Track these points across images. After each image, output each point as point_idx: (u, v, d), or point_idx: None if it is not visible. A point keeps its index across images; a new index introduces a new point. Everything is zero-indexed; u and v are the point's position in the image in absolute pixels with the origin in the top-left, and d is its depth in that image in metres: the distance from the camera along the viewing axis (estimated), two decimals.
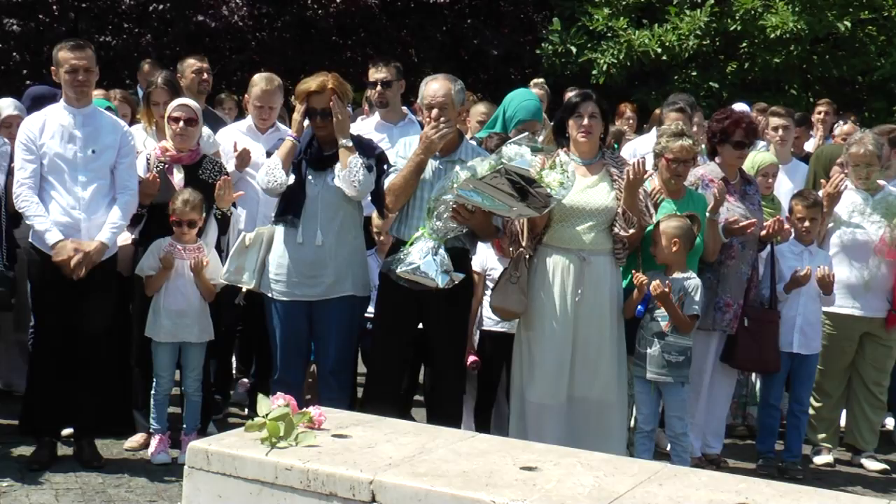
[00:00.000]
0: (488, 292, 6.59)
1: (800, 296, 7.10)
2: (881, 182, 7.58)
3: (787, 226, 7.14)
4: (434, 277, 5.92)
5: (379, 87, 8.03)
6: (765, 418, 7.38)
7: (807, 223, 7.11)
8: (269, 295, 6.44)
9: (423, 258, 5.93)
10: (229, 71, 15.10)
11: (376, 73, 8.08)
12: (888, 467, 7.49)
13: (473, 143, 6.83)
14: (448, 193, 5.90)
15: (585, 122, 6.23)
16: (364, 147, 6.43)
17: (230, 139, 7.68)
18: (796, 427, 7.29)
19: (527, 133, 6.51)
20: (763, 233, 6.98)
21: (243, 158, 7.36)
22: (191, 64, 8.68)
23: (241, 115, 9.49)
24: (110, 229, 6.44)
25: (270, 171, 6.33)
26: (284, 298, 6.38)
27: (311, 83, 6.38)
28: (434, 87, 6.24)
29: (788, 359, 7.17)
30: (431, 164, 6.26)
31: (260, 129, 7.77)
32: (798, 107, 13.42)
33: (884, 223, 7.30)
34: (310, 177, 6.34)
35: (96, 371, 6.60)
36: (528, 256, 6.20)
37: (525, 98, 7.88)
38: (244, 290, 6.87)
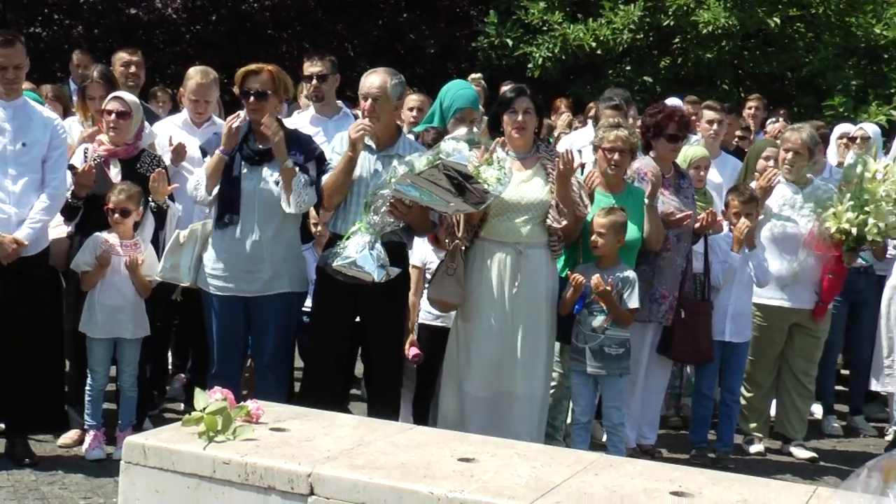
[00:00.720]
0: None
1: (732, 285, 7.19)
2: (810, 176, 7.71)
3: (719, 218, 7.22)
4: (370, 272, 5.93)
5: (314, 81, 7.98)
6: (697, 408, 7.48)
7: (742, 218, 7.17)
8: (206, 290, 6.40)
9: (359, 252, 5.93)
10: (163, 64, 14.92)
11: (311, 67, 8.05)
12: (816, 455, 7.62)
13: (411, 137, 6.84)
14: (386, 188, 5.90)
15: (519, 118, 6.26)
16: (303, 146, 6.40)
17: (165, 133, 7.62)
18: (728, 416, 7.40)
19: (465, 129, 6.53)
20: (697, 225, 7.06)
21: (179, 153, 7.32)
22: (120, 57, 8.59)
23: (175, 108, 9.42)
24: (28, 225, 6.35)
25: (197, 187, 6.32)
26: (221, 294, 6.34)
27: (250, 66, 6.36)
28: (372, 79, 6.26)
29: (720, 348, 7.26)
30: (368, 159, 6.26)
31: (195, 122, 7.72)
32: (730, 102, 13.58)
33: (813, 216, 7.42)
34: (244, 170, 6.28)
35: (29, 367, 6.51)
36: (464, 248, 6.23)
37: (461, 87, 7.89)
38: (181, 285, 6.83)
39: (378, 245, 5.97)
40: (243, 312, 6.38)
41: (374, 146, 6.29)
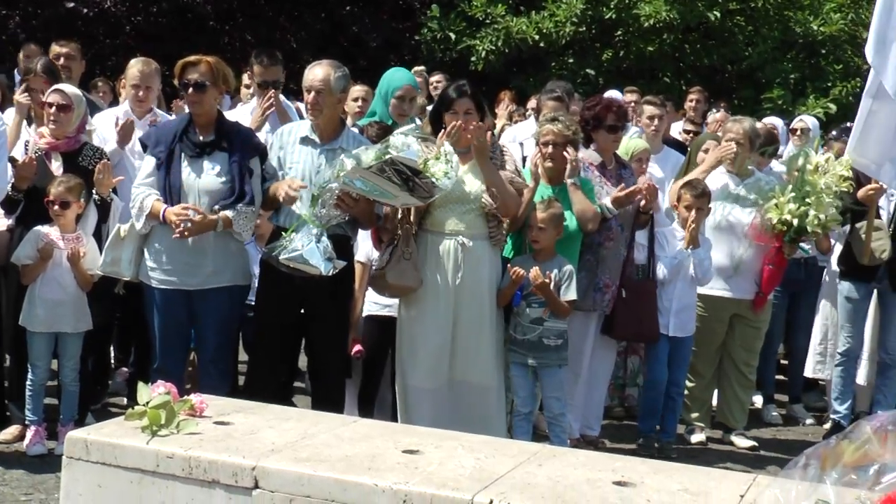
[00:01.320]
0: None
1: (678, 280, 7.25)
2: (751, 168, 7.79)
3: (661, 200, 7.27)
4: (317, 265, 5.92)
5: (271, 90, 7.94)
6: (647, 399, 7.52)
7: (693, 213, 7.18)
8: (148, 284, 6.34)
9: (305, 246, 5.93)
10: (103, 56, 14.78)
11: (265, 75, 7.98)
12: (757, 444, 7.72)
13: (355, 130, 6.83)
14: (334, 182, 5.89)
15: (460, 120, 6.23)
16: (245, 141, 6.37)
17: (107, 124, 7.56)
18: (672, 409, 7.45)
19: (413, 125, 6.54)
20: (642, 203, 7.07)
21: (126, 132, 7.22)
22: (52, 49, 8.52)
23: (115, 100, 9.34)
24: None
25: (138, 215, 6.25)
26: (163, 287, 6.28)
27: (189, 57, 6.30)
28: (315, 71, 6.23)
29: (667, 341, 7.33)
30: (311, 154, 6.26)
31: (137, 112, 7.65)
32: (671, 94, 13.69)
33: (755, 208, 7.50)
34: (185, 163, 6.22)
35: None
36: (415, 232, 6.23)
37: (395, 71, 8.01)
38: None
39: (324, 238, 5.96)
40: (186, 306, 6.32)
41: (317, 140, 6.27)
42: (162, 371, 6.03)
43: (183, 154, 6.22)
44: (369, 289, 6.74)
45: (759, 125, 8.44)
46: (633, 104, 9.88)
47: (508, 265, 6.38)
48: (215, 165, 6.21)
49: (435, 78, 11.38)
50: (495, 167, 6.29)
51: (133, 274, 6.39)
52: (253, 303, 6.67)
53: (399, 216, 6.27)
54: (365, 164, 5.74)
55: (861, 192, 7.49)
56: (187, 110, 6.49)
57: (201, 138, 6.27)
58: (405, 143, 5.79)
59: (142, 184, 6.28)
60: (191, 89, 6.21)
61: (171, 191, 6.16)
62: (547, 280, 6.32)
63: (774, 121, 10.33)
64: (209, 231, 6.13)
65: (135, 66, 7.67)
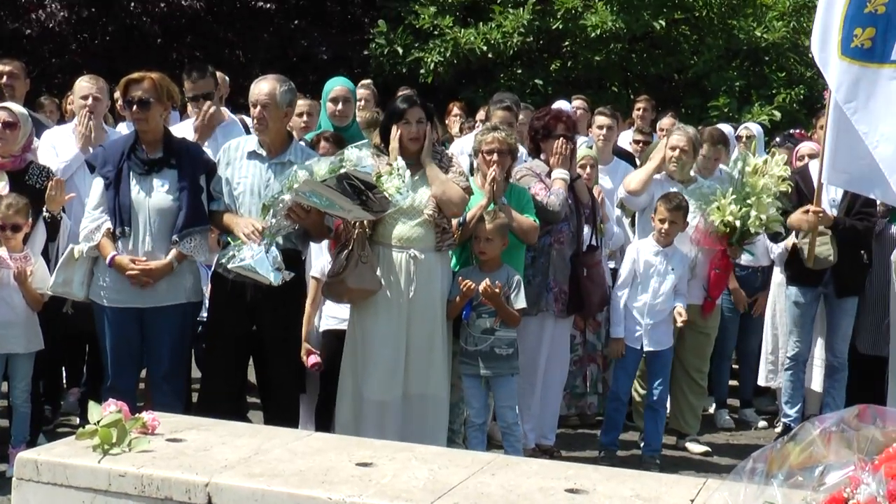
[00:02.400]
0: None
1: (648, 298, 7.26)
2: (693, 174, 7.87)
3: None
4: (266, 275, 5.91)
5: (202, 101, 7.90)
6: (611, 412, 7.50)
7: (667, 225, 7.21)
8: (100, 303, 6.29)
9: (255, 256, 5.92)
10: (50, 74, 14.65)
11: (195, 90, 7.95)
12: (710, 449, 7.76)
13: (302, 143, 6.83)
14: (287, 193, 5.88)
15: (414, 129, 6.25)
16: (194, 158, 6.36)
17: (54, 142, 7.50)
18: (654, 420, 7.40)
19: (367, 141, 6.54)
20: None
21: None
22: None
23: (63, 118, 9.27)
24: None
25: (86, 244, 6.21)
26: (115, 306, 6.24)
27: (133, 74, 6.27)
28: (261, 86, 6.23)
29: (637, 354, 7.33)
30: (259, 168, 6.25)
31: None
32: (619, 103, 13.79)
33: (698, 213, 7.56)
34: (134, 181, 6.18)
35: None
36: (370, 235, 6.21)
37: (332, 80, 8.13)
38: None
39: (273, 248, 5.96)
40: (137, 324, 6.28)
41: (265, 154, 6.26)
42: (114, 389, 5.97)
43: (131, 172, 6.18)
44: (327, 303, 6.73)
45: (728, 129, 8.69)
46: (580, 111, 9.96)
47: (458, 278, 6.41)
48: (165, 183, 6.18)
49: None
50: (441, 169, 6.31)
51: (85, 294, 6.34)
52: (205, 318, 6.64)
53: (353, 222, 6.27)
54: (319, 177, 5.74)
55: (797, 219, 7.61)
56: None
57: (149, 156, 6.23)
58: (359, 157, 5.80)
59: (92, 210, 6.24)
60: (135, 107, 6.17)
61: (121, 210, 6.12)
62: (497, 290, 6.36)
63: (725, 128, 10.43)
64: (167, 273, 6.16)
65: (81, 83, 7.65)
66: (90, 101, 7.53)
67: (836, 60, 6.99)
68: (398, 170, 5.95)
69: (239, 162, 6.31)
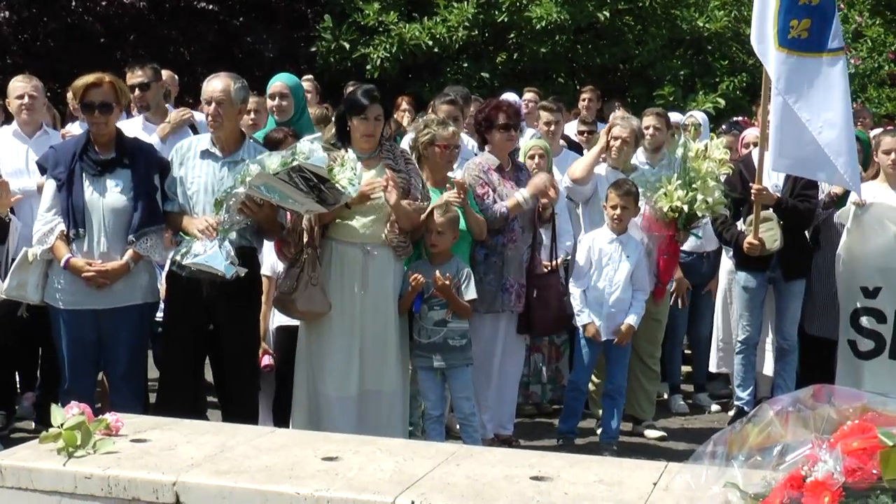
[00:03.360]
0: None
1: (605, 286, 7.34)
2: (634, 163, 7.97)
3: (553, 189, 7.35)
4: (219, 268, 5.91)
5: (137, 92, 7.92)
6: (570, 400, 7.58)
7: (619, 211, 7.29)
8: (55, 306, 6.26)
9: (209, 249, 5.92)
10: None
11: (133, 78, 7.96)
12: (665, 434, 7.87)
13: (253, 142, 6.83)
14: (240, 187, 5.88)
15: (371, 125, 6.29)
16: (147, 157, 6.35)
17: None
18: (611, 409, 7.47)
19: (319, 134, 6.54)
20: (543, 201, 7.20)
21: None
22: None
23: (8, 120, 9.20)
24: None
25: (39, 247, 6.19)
26: (71, 308, 6.21)
27: (88, 77, 6.20)
28: (215, 83, 6.22)
29: (596, 345, 7.37)
30: (213, 167, 6.24)
31: (26, 132, 7.60)
32: (566, 94, 13.89)
33: (643, 200, 7.64)
34: (87, 182, 6.16)
35: None
36: (319, 245, 6.23)
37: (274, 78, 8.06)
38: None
39: (227, 243, 5.96)
40: (94, 326, 6.25)
41: (218, 153, 6.26)
42: (72, 392, 5.92)
43: (84, 173, 6.15)
44: None
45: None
46: (531, 104, 10.04)
47: (408, 271, 6.45)
48: (118, 183, 6.16)
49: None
50: (399, 186, 6.30)
51: (40, 298, 6.31)
52: (161, 318, 6.63)
53: (304, 239, 6.26)
54: (271, 170, 5.74)
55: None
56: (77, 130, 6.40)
57: (101, 156, 6.20)
58: (311, 149, 5.80)
59: (45, 213, 6.21)
60: (96, 111, 6.14)
61: (74, 211, 6.09)
62: (447, 282, 6.40)
63: (696, 115, 10.56)
64: (123, 274, 6.15)
65: (16, 83, 7.67)
66: (26, 99, 7.52)
67: (773, 51, 7.15)
68: (349, 162, 5.98)
69: (192, 161, 6.29)
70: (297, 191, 5.80)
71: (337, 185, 5.83)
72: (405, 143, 8.58)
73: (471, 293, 6.56)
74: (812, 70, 7.15)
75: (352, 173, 5.92)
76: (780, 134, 7.24)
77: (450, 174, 7.07)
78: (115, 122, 6.33)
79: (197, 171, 6.28)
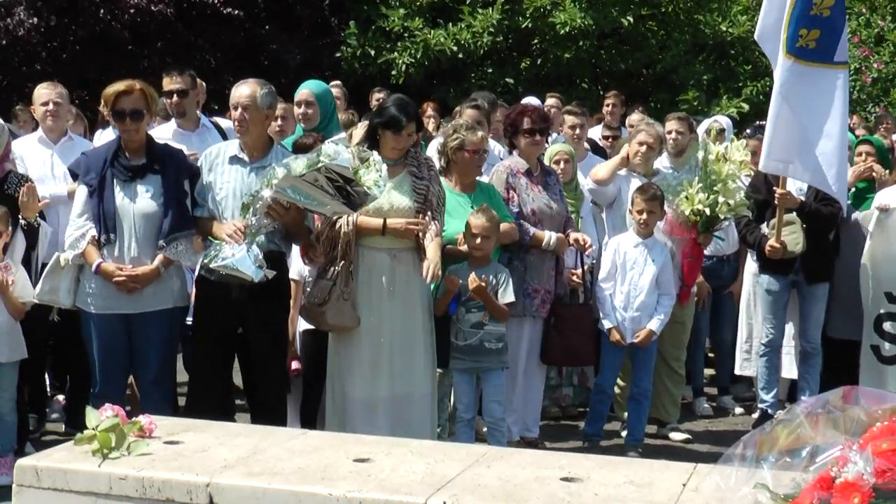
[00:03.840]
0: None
1: (628, 289, 7.33)
2: (656, 167, 7.96)
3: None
4: (248, 272, 5.91)
5: (175, 98, 7.97)
6: (596, 403, 7.58)
7: (645, 216, 7.28)
8: (87, 310, 6.30)
9: (237, 254, 5.92)
10: (19, 83, 14.55)
11: (171, 84, 8.01)
12: (690, 437, 7.86)
13: (283, 146, 6.86)
14: (266, 190, 5.89)
15: (404, 141, 6.29)
16: (178, 163, 6.38)
17: (21, 151, 7.56)
18: (637, 411, 7.47)
19: (344, 135, 6.55)
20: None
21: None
22: None
23: (36, 127, 9.29)
24: None
25: (71, 252, 6.22)
26: (102, 312, 6.25)
27: (118, 85, 6.24)
28: (242, 89, 6.25)
29: (620, 349, 7.36)
30: (241, 172, 6.27)
31: (52, 138, 7.66)
32: (589, 99, 13.88)
33: (666, 204, 7.64)
34: (118, 188, 6.20)
35: None
36: (351, 270, 6.21)
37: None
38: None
39: (255, 247, 5.97)
40: (125, 330, 6.29)
41: (246, 159, 6.29)
42: (103, 396, 5.94)
43: (115, 179, 6.19)
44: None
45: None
46: (553, 110, 10.04)
47: (447, 275, 6.46)
48: (149, 188, 6.20)
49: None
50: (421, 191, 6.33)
51: (71, 302, 6.34)
52: (191, 322, 6.67)
53: (339, 252, 6.21)
54: (296, 172, 5.74)
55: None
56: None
57: (132, 162, 6.24)
58: (336, 151, 5.80)
59: (77, 218, 6.25)
60: (128, 119, 6.18)
61: (106, 217, 6.13)
62: (483, 284, 6.41)
63: (721, 119, 10.55)
64: (154, 279, 6.19)
65: (40, 90, 7.75)
66: (50, 106, 7.58)
67: (781, 57, 7.16)
68: (375, 163, 5.97)
69: (221, 167, 6.32)
70: (323, 193, 5.79)
71: (363, 186, 5.84)
72: (433, 148, 8.64)
73: (508, 296, 6.58)
74: (817, 80, 7.19)
75: (377, 175, 5.90)
76: (775, 136, 7.27)
77: (478, 178, 7.09)
78: (146, 129, 6.37)
79: (226, 176, 6.30)
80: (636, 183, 7.70)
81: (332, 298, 6.14)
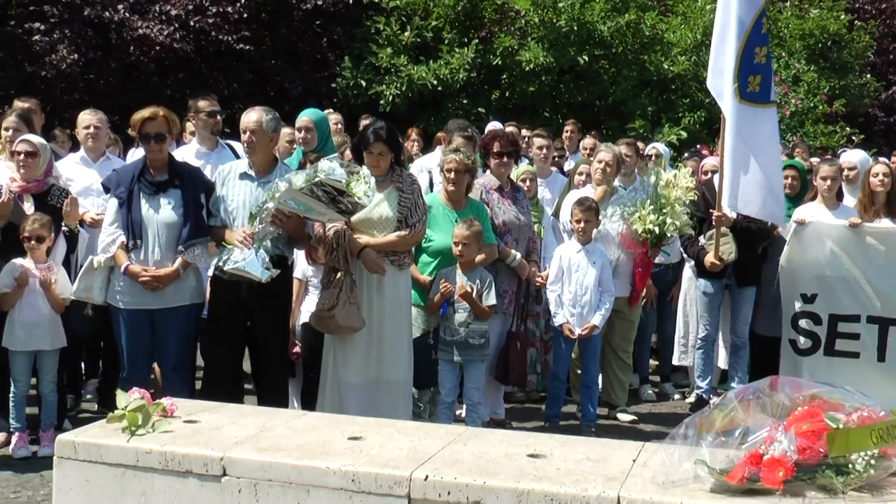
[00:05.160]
0: (310, 296, 6.67)
1: (575, 287, 7.31)
2: (616, 185, 7.97)
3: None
4: (256, 273, 5.93)
5: (218, 117, 8.02)
6: (553, 388, 7.56)
7: (582, 224, 7.27)
8: (116, 306, 6.27)
9: (247, 258, 5.94)
10: (61, 109, 14.50)
11: (210, 106, 8.01)
12: (637, 418, 7.86)
13: (286, 164, 6.83)
14: (270, 202, 5.89)
15: (373, 160, 6.22)
16: (196, 179, 6.35)
17: (68, 168, 7.54)
18: (588, 395, 7.46)
19: (336, 154, 6.54)
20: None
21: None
22: (14, 105, 8.42)
23: (75, 147, 9.24)
24: None
25: (103, 255, 6.18)
26: (130, 307, 6.23)
27: (144, 112, 6.23)
28: (250, 115, 6.26)
29: (569, 341, 7.35)
30: (250, 187, 6.26)
31: (92, 157, 7.60)
32: (551, 126, 13.87)
33: (619, 219, 7.65)
34: (143, 200, 6.18)
35: None
36: (354, 279, 6.15)
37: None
38: None
39: (262, 251, 5.96)
40: (149, 323, 6.27)
41: (254, 175, 6.27)
42: (131, 380, 5.90)
43: (141, 193, 6.19)
44: (306, 299, 6.75)
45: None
46: (525, 137, 10.06)
47: (441, 281, 6.50)
48: (170, 201, 6.20)
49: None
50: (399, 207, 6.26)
51: (103, 299, 6.32)
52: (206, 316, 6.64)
53: (342, 265, 6.12)
54: (297, 186, 5.75)
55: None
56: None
57: (156, 178, 6.24)
58: (331, 167, 5.82)
59: (109, 226, 6.24)
60: (152, 141, 6.17)
61: (133, 226, 6.14)
62: (470, 290, 6.42)
63: (658, 146, 10.55)
64: (174, 279, 6.17)
65: (84, 115, 7.73)
66: (91, 129, 7.56)
67: (735, 103, 7.12)
68: (364, 176, 5.99)
69: (232, 182, 6.32)
70: (319, 203, 5.81)
71: (354, 196, 5.83)
72: (416, 166, 8.64)
73: (491, 300, 6.60)
74: (763, 119, 7.22)
75: (366, 187, 5.97)
76: (736, 177, 7.21)
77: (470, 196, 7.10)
78: (168, 150, 6.34)
79: (236, 190, 6.29)
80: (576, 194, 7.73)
81: (340, 303, 6.08)
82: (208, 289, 6.68)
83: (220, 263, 6.04)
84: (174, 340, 6.32)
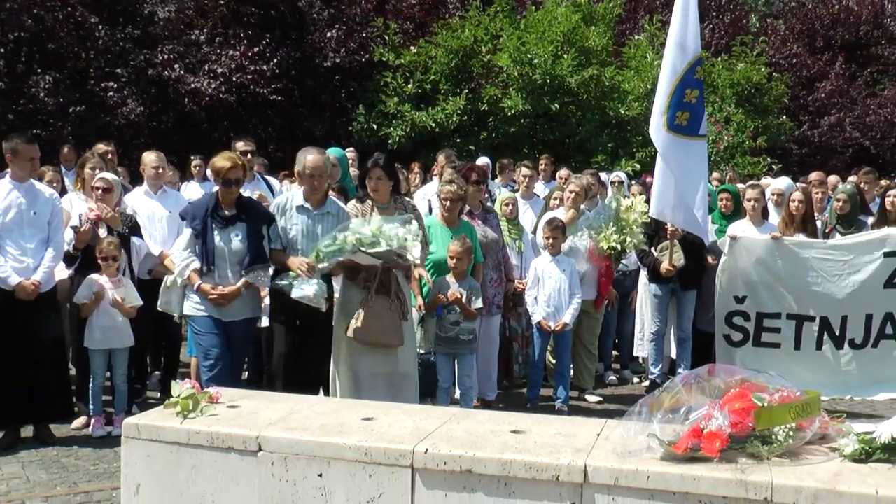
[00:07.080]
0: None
1: (548, 289, 7.32)
2: (583, 208, 7.95)
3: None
4: (318, 304, 5.81)
5: (249, 156, 7.99)
6: (532, 375, 7.56)
7: (551, 240, 7.33)
8: (197, 315, 6.06)
9: (311, 289, 5.78)
10: (129, 152, 14.48)
11: (245, 146, 8.05)
12: (602, 399, 7.82)
13: (333, 195, 6.70)
14: (341, 255, 5.74)
15: (373, 183, 6.15)
16: (258, 212, 6.17)
17: (134, 200, 7.57)
18: (561, 382, 7.45)
19: (406, 216, 6.30)
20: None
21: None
22: (97, 147, 8.46)
23: (132, 181, 9.29)
24: (42, 271, 6.19)
25: (180, 276, 6.06)
26: (205, 317, 6.03)
27: (225, 162, 6.00)
28: (314, 159, 6.06)
29: (546, 334, 7.35)
30: (307, 216, 6.06)
31: (153, 190, 7.61)
32: (529, 159, 13.86)
33: (586, 236, 7.64)
34: (216, 232, 5.98)
35: (46, 373, 6.29)
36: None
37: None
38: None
39: (322, 283, 5.84)
40: (222, 331, 6.05)
41: (310, 208, 6.08)
42: (213, 379, 5.73)
43: (214, 225, 5.99)
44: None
45: (604, 176, 9.16)
46: (487, 167, 10.03)
47: (437, 293, 6.48)
48: (237, 233, 6.00)
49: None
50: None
51: (180, 312, 6.18)
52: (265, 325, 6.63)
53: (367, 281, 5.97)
54: (364, 243, 5.63)
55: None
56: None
57: (227, 213, 6.04)
58: (400, 239, 5.66)
59: (183, 251, 6.06)
60: (233, 186, 5.99)
61: (208, 255, 5.96)
62: (459, 296, 6.41)
63: (619, 174, 10.54)
64: (237, 296, 6.01)
65: (150, 156, 7.72)
66: (159, 168, 7.53)
67: (663, 133, 7.15)
68: (416, 237, 5.76)
69: (290, 213, 6.10)
70: (376, 260, 5.73)
71: (409, 253, 5.70)
72: (420, 195, 8.60)
73: (478, 304, 6.57)
74: (689, 148, 7.21)
75: (419, 242, 5.76)
76: (660, 191, 7.31)
77: (463, 218, 7.06)
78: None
79: (294, 220, 6.08)
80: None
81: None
82: (267, 301, 6.49)
83: (285, 289, 5.83)
84: (240, 344, 6.18)
